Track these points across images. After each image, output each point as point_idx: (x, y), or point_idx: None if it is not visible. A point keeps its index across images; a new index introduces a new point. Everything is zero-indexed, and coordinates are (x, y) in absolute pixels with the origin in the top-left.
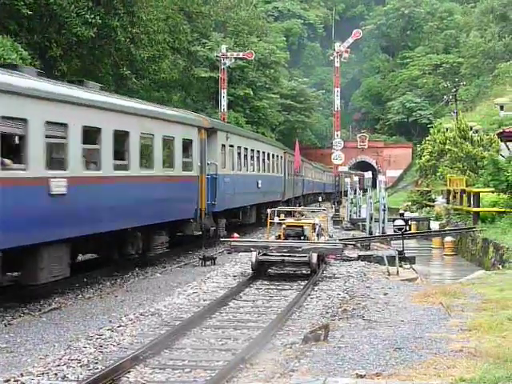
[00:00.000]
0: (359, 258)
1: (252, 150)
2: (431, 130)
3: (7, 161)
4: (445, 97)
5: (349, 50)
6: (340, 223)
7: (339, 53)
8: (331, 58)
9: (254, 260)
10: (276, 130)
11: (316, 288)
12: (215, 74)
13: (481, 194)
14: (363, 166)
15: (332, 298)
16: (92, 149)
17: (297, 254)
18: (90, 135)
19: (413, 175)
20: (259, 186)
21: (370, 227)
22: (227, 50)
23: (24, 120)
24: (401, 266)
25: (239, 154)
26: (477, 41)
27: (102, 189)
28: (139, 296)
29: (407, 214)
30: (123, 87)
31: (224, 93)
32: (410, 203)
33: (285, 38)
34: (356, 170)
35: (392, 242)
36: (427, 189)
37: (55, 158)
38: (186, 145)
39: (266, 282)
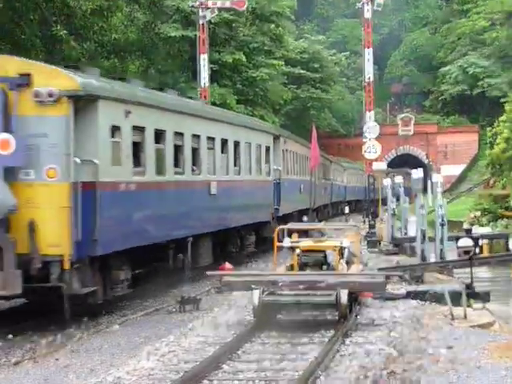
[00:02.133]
0: (409, 295)
1: (296, 153)
2: (507, 107)
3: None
4: None
5: None
6: (377, 245)
7: None
8: (358, 5)
9: (256, 302)
10: (281, 112)
11: (348, 341)
12: (190, 32)
13: None
14: (407, 161)
15: (372, 356)
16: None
17: (318, 292)
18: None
19: (481, 172)
20: (301, 190)
21: (423, 250)
22: None
23: (197, 136)
24: (469, 306)
25: (291, 158)
26: None
27: (231, 190)
28: (90, 358)
29: (476, 230)
30: (57, 54)
31: (204, 59)
32: (478, 213)
33: None
34: (397, 168)
35: (455, 270)
36: (504, 192)
37: (210, 166)
38: (266, 151)
39: (274, 334)
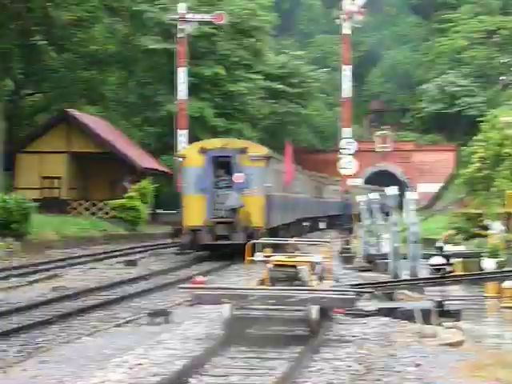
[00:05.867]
0: (379, 311)
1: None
2: (483, 126)
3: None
4: (502, 77)
5: (364, 10)
6: (351, 261)
7: (349, 14)
8: (337, 21)
9: (226, 316)
10: (259, 127)
11: (317, 357)
12: (170, 44)
13: None
14: (384, 178)
15: (339, 372)
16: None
17: (289, 308)
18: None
19: (457, 191)
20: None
21: (396, 267)
22: (188, 11)
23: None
24: (439, 325)
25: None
26: None
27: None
28: (59, 369)
29: (448, 248)
30: (35, 63)
31: (183, 72)
32: (452, 232)
33: None
34: (374, 184)
35: (427, 288)
36: (477, 211)
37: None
38: None
39: (243, 348)
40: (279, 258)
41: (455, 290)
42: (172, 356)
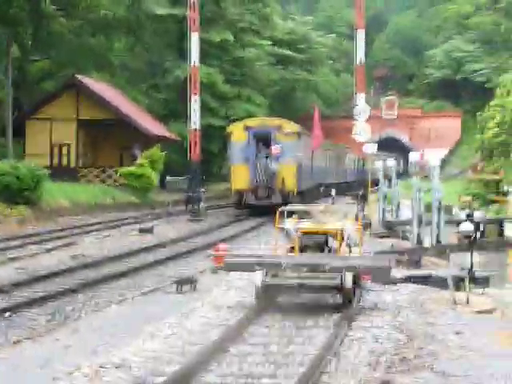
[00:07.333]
0: (409, 279)
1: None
2: (497, 92)
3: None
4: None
5: None
6: (368, 227)
7: None
8: None
9: (259, 284)
10: (267, 93)
11: (354, 325)
12: (178, 10)
13: None
14: (390, 144)
15: (381, 341)
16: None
17: (322, 275)
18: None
19: (464, 157)
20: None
21: (419, 234)
22: None
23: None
24: (470, 291)
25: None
26: None
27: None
28: (91, 339)
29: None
30: (43, 30)
31: (195, 38)
32: (469, 198)
33: None
34: (380, 150)
35: (449, 255)
36: (495, 177)
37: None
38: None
39: (278, 317)
40: (308, 225)
41: (476, 256)
42: (206, 325)
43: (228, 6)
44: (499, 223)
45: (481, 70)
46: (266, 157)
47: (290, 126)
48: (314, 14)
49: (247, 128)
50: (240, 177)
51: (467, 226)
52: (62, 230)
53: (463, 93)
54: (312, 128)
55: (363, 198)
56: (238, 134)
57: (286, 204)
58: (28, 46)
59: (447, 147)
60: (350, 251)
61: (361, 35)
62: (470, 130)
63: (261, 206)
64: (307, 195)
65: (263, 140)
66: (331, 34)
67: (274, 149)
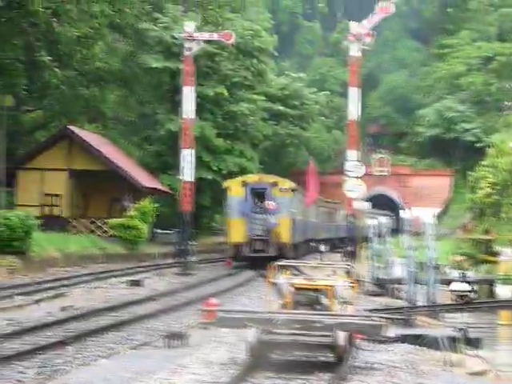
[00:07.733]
0: (403, 339)
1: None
2: (489, 152)
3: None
4: (506, 103)
5: (372, 32)
6: (359, 285)
7: (357, 36)
8: (345, 43)
9: (252, 341)
10: (259, 148)
11: None
12: (172, 63)
13: None
14: (381, 202)
15: None
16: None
17: (315, 333)
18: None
19: (454, 216)
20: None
21: (412, 293)
22: (196, 30)
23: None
24: (463, 353)
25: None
26: None
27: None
28: None
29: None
30: (38, 80)
31: (190, 91)
32: (460, 257)
33: (271, 16)
34: (372, 208)
35: (441, 316)
36: (486, 237)
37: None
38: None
39: (270, 375)
40: (301, 281)
41: (466, 316)
42: (198, 382)
43: (222, 61)
44: (490, 283)
45: (472, 129)
46: (263, 212)
47: (286, 183)
48: (308, 70)
49: (245, 184)
50: (237, 230)
51: (462, 286)
52: (51, 281)
53: (454, 151)
54: (305, 183)
55: (351, 255)
56: (235, 190)
57: (281, 256)
58: (22, 96)
59: (436, 206)
60: (343, 308)
61: (354, 93)
62: (460, 189)
63: (257, 258)
64: (300, 249)
65: (259, 195)
66: (323, 90)
67: (269, 204)
